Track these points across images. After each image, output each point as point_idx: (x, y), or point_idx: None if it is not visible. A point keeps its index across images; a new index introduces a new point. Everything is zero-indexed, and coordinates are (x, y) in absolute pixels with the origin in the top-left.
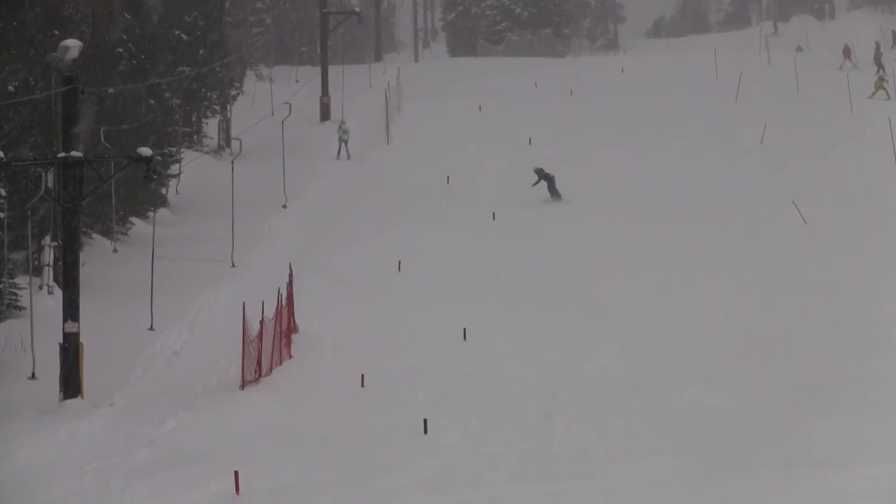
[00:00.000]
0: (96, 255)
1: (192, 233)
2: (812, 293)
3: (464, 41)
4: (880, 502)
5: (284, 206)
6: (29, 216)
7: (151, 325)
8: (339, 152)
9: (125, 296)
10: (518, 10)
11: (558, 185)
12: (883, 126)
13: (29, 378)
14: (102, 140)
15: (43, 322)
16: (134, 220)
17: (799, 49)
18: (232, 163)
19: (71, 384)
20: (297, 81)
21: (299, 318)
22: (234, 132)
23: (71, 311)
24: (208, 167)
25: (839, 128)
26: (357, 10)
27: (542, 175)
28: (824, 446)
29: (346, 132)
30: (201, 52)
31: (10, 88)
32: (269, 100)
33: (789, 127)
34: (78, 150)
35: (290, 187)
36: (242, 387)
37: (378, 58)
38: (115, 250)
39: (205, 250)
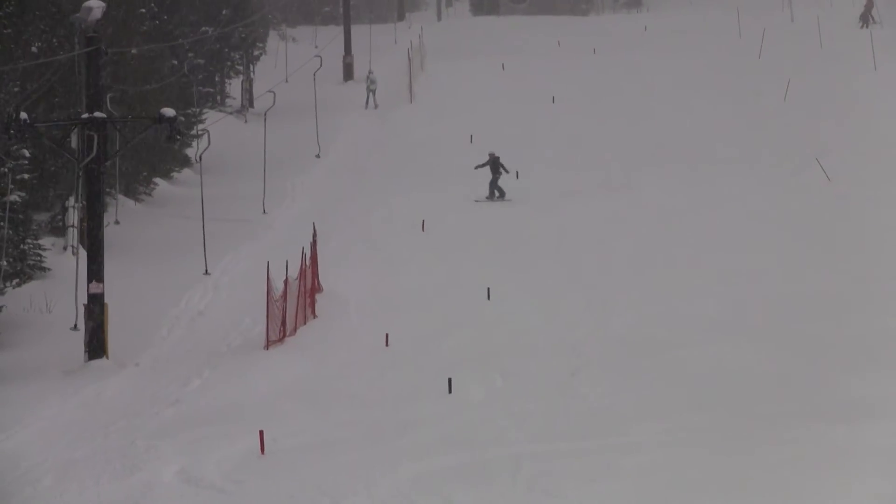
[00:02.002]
0: (120, 215)
1: (216, 193)
2: (836, 249)
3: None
4: None
5: (318, 156)
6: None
7: (206, 270)
8: (367, 102)
9: (150, 256)
10: None
11: (503, 183)
12: None
13: (71, 329)
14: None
15: (67, 283)
16: (157, 180)
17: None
18: (265, 115)
19: (96, 344)
20: (315, 47)
21: (323, 277)
22: (256, 92)
23: (95, 271)
24: (231, 127)
25: (863, 84)
26: None
27: (493, 164)
28: (850, 401)
29: (373, 82)
30: (224, 12)
31: (34, 49)
32: (291, 60)
33: (813, 84)
34: (101, 111)
35: (311, 146)
36: (267, 346)
37: (401, 17)
38: (117, 222)
39: (228, 210)
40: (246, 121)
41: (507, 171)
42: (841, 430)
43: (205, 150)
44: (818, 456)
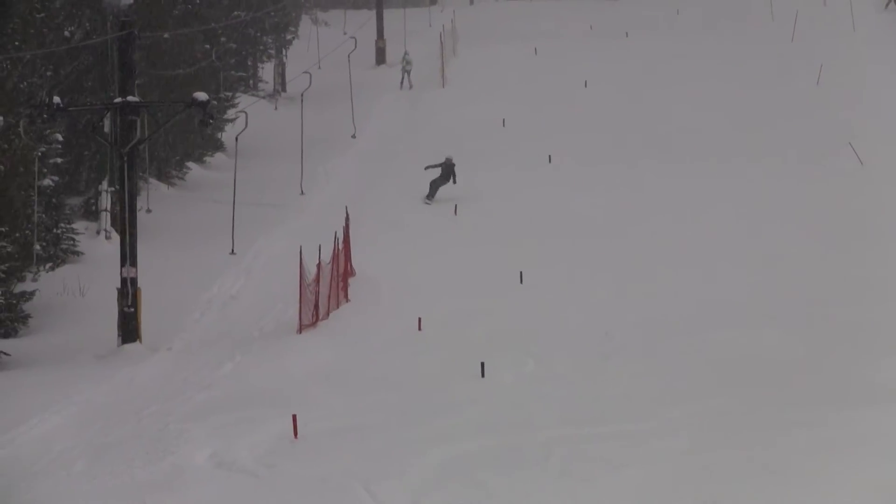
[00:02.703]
0: (153, 200)
1: (248, 177)
2: (868, 233)
3: None
4: None
5: (354, 136)
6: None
7: (233, 250)
8: (402, 82)
9: (182, 240)
10: None
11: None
12: None
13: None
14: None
15: (100, 267)
16: (190, 164)
17: None
18: (301, 95)
19: (128, 329)
20: (344, 33)
21: (356, 261)
22: (288, 76)
23: (128, 255)
24: (263, 111)
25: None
26: None
27: (446, 168)
28: (877, 386)
29: (409, 62)
30: None
31: (66, 34)
32: (323, 44)
33: (845, 67)
34: (134, 96)
35: (347, 130)
36: (300, 330)
37: (434, 1)
38: (148, 210)
39: (261, 194)
40: (276, 107)
41: (454, 182)
42: (868, 414)
43: (242, 131)
44: (846, 440)
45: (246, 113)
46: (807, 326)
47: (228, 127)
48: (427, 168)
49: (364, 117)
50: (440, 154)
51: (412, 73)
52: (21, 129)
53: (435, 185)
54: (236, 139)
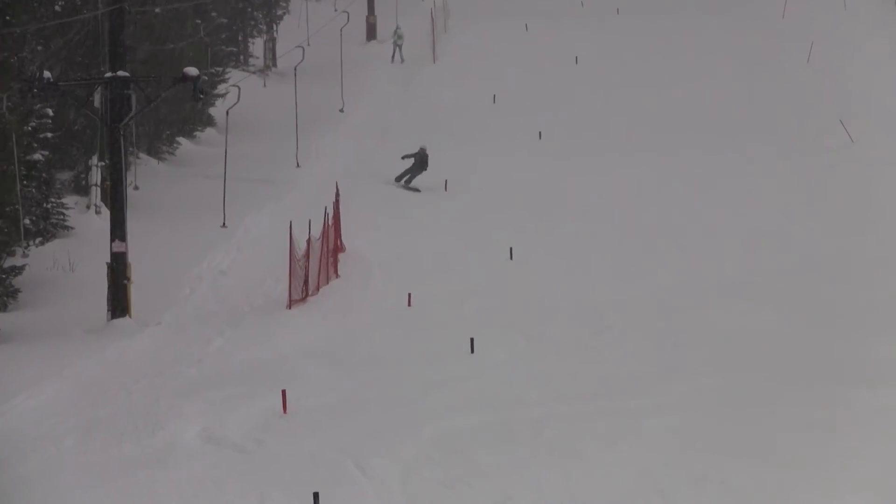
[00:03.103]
0: (143, 175)
1: (238, 152)
2: (859, 212)
3: None
4: None
5: (342, 111)
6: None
7: (224, 223)
8: (393, 56)
9: (172, 215)
10: None
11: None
12: None
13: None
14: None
15: (90, 242)
16: (181, 139)
17: None
18: (295, 69)
19: (118, 304)
20: (335, 9)
21: (346, 237)
22: (279, 52)
23: (118, 230)
24: (253, 87)
25: (886, 46)
26: None
27: (419, 156)
28: (873, 364)
29: (400, 37)
30: None
31: (57, 8)
32: (314, 20)
33: (836, 45)
34: (125, 70)
35: (333, 107)
36: (289, 306)
37: None
38: (136, 187)
39: (251, 169)
40: (265, 84)
41: (425, 169)
42: (863, 392)
43: (233, 105)
44: (840, 419)
45: (238, 87)
46: (801, 305)
47: (219, 102)
48: (404, 157)
49: (355, 93)
50: (424, 136)
51: (403, 47)
52: (4, 109)
53: (407, 172)
54: (227, 113)
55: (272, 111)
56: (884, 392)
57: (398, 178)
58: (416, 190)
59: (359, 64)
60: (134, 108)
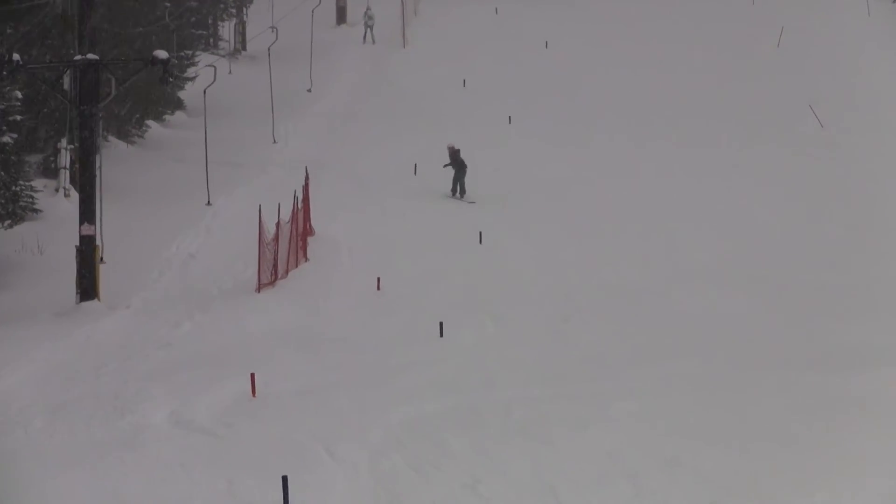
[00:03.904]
0: (112, 157)
1: (209, 136)
2: (829, 197)
3: None
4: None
5: (309, 91)
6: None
7: (209, 201)
8: (364, 37)
9: (142, 199)
10: None
11: (468, 180)
12: None
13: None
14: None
15: (59, 225)
16: (150, 122)
17: None
18: (268, 49)
19: (87, 287)
20: None
21: (315, 221)
22: (249, 35)
23: (87, 213)
24: (221, 71)
25: (856, 32)
26: None
27: (452, 157)
28: (841, 350)
29: (371, 17)
30: None
31: None
32: (285, 2)
33: (806, 31)
34: (94, 53)
35: (303, 90)
36: (259, 289)
37: None
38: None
39: (221, 153)
40: (230, 71)
41: (465, 168)
42: (832, 378)
43: (210, 85)
44: (810, 404)
45: (215, 67)
46: (771, 291)
47: (188, 86)
48: (445, 167)
49: (325, 77)
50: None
51: (374, 28)
52: None
53: (455, 181)
54: (204, 92)
55: (242, 95)
56: (853, 378)
57: (452, 192)
58: (472, 202)
59: (329, 47)
60: (114, 92)
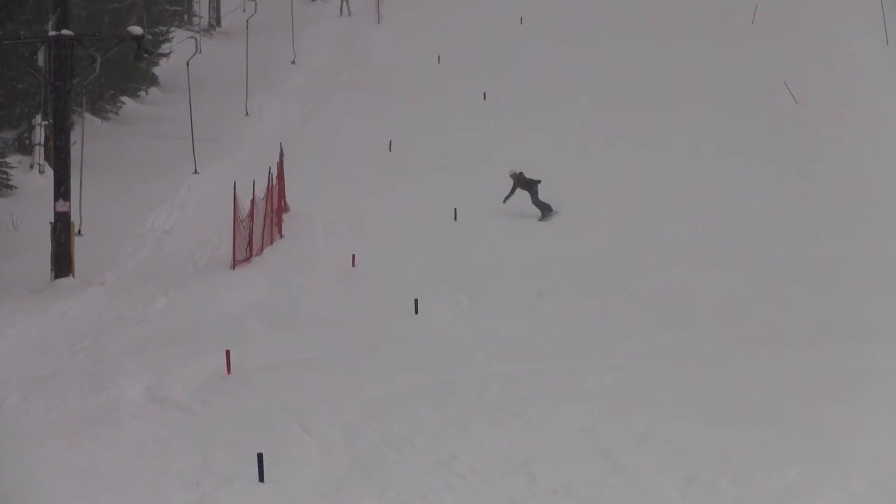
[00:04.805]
0: (87, 133)
1: (183, 111)
2: (803, 172)
3: None
4: (877, 379)
5: (293, 62)
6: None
7: (196, 170)
8: (341, 9)
9: (116, 175)
10: None
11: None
12: (874, 5)
13: (76, 234)
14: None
15: (34, 201)
16: (124, 99)
17: None
18: (247, 22)
19: (62, 263)
20: None
21: (290, 197)
22: (223, 10)
23: (62, 190)
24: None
25: (831, 7)
26: None
27: (520, 182)
28: (818, 324)
29: None
30: None
31: None
32: None
33: (780, 7)
34: (69, 29)
35: (278, 66)
36: (234, 266)
37: None
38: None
39: (196, 129)
40: (199, 50)
41: (536, 182)
42: (809, 352)
43: (192, 56)
44: (785, 377)
45: (197, 38)
46: (745, 264)
47: (163, 62)
48: (506, 200)
49: (299, 53)
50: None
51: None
52: None
53: (536, 201)
54: (187, 63)
55: (216, 71)
56: (830, 351)
57: (543, 214)
58: (550, 213)
59: (302, 22)
60: (98, 69)
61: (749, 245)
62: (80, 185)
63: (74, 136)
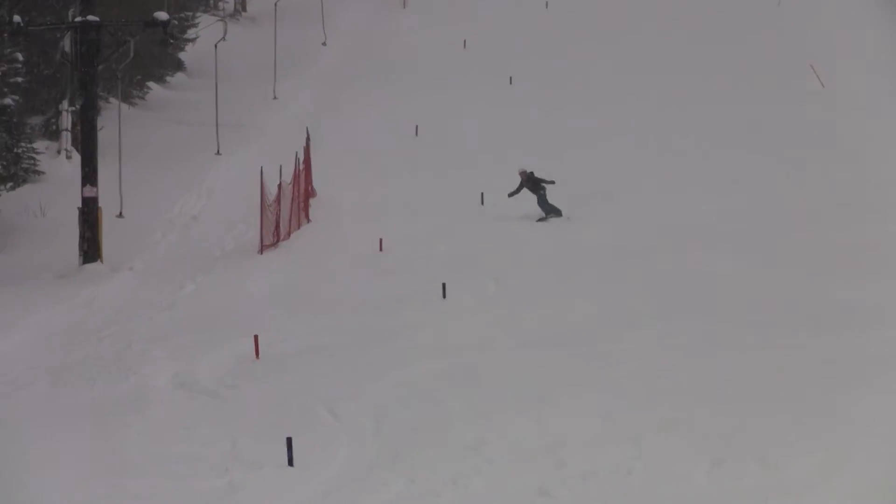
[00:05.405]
0: (114, 119)
1: (209, 97)
2: (828, 156)
3: None
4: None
5: (324, 44)
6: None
7: (218, 151)
8: None
9: (143, 160)
10: None
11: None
12: None
13: (117, 216)
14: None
15: (61, 187)
16: (151, 84)
17: None
18: (275, 5)
19: (90, 249)
20: None
21: (317, 182)
22: None
23: (89, 175)
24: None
25: None
26: None
27: (528, 181)
28: (839, 310)
29: None
30: None
31: None
32: None
33: None
34: (94, 15)
35: (304, 50)
36: (261, 251)
37: None
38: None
39: (222, 115)
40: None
41: (549, 183)
42: (832, 338)
43: (220, 40)
44: (806, 363)
45: (225, 21)
46: (769, 250)
47: (188, 47)
48: (511, 196)
49: (326, 35)
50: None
51: None
52: None
53: (543, 203)
54: (216, 46)
55: (242, 56)
56: (847, 336)
57: (546, 214)
58: (553, 216)
59: (328, 6)
60: (132, 54)
61: (774, 230)
62: (120, 168)
63: (101, 122)
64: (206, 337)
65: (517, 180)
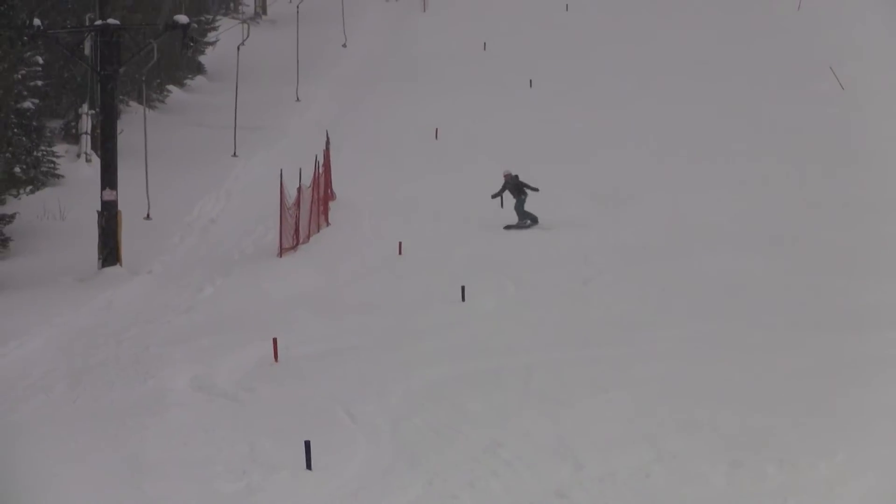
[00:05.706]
0: (133, 122)
1: (228, 100)
2: (848, 158)
3: None
4: None
5: (344, 45)
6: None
7: (235, 152)
8: None
9: (163, 163)
10: None
11: (529, 206)
12: None
13: (145, 218)
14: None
15: (81, 190)
16: (171, 87)
17: None
18: (297, 7)
19: (109, 252)
20: None
21: (336, 185)
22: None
23: (108, 179)
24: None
25: None
26: None
27: (511, 184)
28: (858, 311)
29: None
30: None
31: None
32: None
33: None
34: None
35: (325, 53)
36: (280, 254)
37: None
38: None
39: (242, 117)
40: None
41: (533, 190)
42: (849, 339)
43: (242, 42)
44: (828, 365)
45: (247, 23)
46: (788, 251)
47: (209, 51)
48: (494, 197)
49: (346, 39)
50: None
51: None
52: None
53: (519, 209)
54: (238, 48)
55: (262, 58)
56: (871, 338)
57: (518, 222)
58: (523, 224)
59: (348, 8)
60: (155, 56)
61: (792, 231)
62: (146, 170)
63: (121, 125)
64: (225, 340)
65: (536, 183)
